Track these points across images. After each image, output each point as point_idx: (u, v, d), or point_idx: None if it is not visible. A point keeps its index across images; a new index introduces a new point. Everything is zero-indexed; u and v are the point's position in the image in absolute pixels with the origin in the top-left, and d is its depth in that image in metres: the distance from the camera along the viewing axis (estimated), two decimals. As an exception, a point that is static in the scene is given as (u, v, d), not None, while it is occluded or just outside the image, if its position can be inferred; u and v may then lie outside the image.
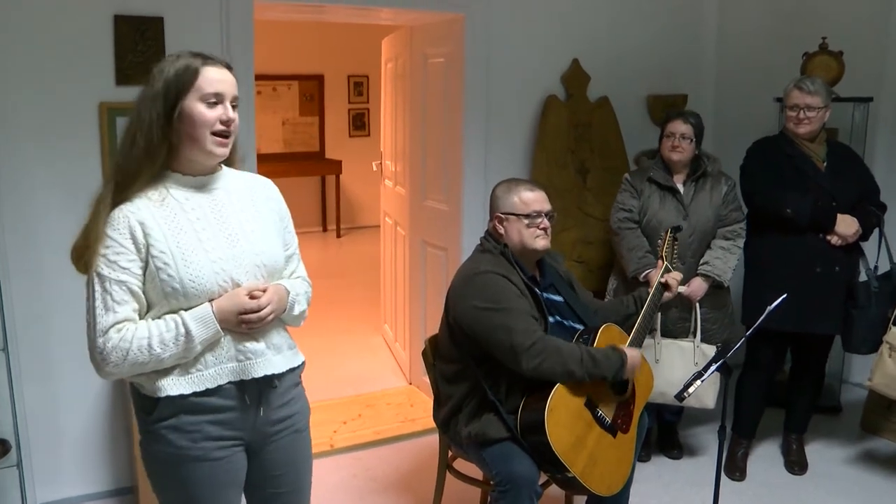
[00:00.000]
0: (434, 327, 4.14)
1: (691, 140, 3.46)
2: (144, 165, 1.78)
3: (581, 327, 2.76)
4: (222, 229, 1.87)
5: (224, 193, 1.92)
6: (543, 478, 2.61)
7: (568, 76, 4.16)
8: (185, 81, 1.77)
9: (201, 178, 1.88)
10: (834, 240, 3.33)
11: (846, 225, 3.32)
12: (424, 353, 2.98)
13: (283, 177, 8.54)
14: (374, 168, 5.40)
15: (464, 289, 2.66)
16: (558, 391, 2.47)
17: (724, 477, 3.56)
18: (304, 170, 9.00)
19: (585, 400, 2.54)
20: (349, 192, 9.53)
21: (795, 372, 3.75)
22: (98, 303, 1.73)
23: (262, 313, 1.84)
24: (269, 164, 8.32)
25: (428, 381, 4.32)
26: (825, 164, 3.39)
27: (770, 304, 2.46)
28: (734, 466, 3.63)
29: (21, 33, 2.99)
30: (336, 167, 9.13)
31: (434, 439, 3.83)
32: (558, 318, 2.74)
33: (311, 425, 2.12)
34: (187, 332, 1.77)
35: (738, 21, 4.65)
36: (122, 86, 3.16)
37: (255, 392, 1.91)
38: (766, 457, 3.80)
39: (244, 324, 1.83)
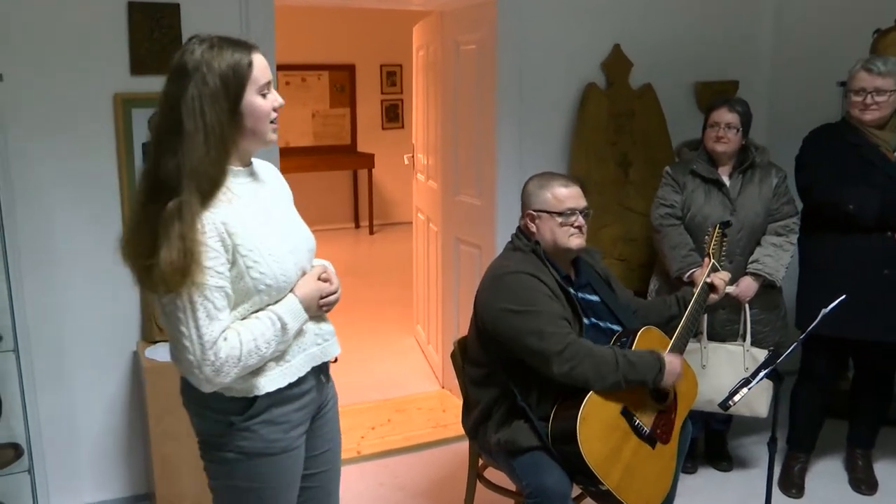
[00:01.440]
0: (467, 329, 4.12)
1: (738, 130, 3.36)
2: (226, 165, 1.80)
3: (619, 328, 2.69)
4: (278, 218, 1.93)
5: (262, 182, 1.97)
6: (577, 490, 2.56)
7: (608, 63, 4.08)
8: (243, 75, 1.78)
9: (248, 169, 1.92)
10: None
11: None
12: (453, 356, 2.94)
13: (313, 171, 8.61)
14: (406, 161, 5.38)
15: (492, 289, 2.62)
16: (592, 398, 2.41)
17: (779, 493, 3.48)
18: (335, 164, 9.02)
19: (622, 408, 2.48)
20: (382, 187, 9.53)
21: (859, 382, 3.61)
22: (201, 313, 1.71)
23: (338, 294, 1.98)
24: (299, 158, 8.37)
25: (460, 385, 4.32)
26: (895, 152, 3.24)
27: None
28: (790, 482, 3.51)
29: (31, 23, 3.02)
30: (368, 161, 9.13)
31: (467, 446, 3.80)
32: (594, 319, 2.68)
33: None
34: (284, 326, 1.83)
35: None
36: (137, 76, 3.18)
37: (325, 370, 2.05)
38: (827, 472, 3.67)
39: (324, 307, 1.95)
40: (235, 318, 1.81)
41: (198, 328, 1.71)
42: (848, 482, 3.58)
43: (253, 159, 1.98)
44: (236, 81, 1.76)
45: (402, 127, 9.46)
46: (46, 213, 3.12)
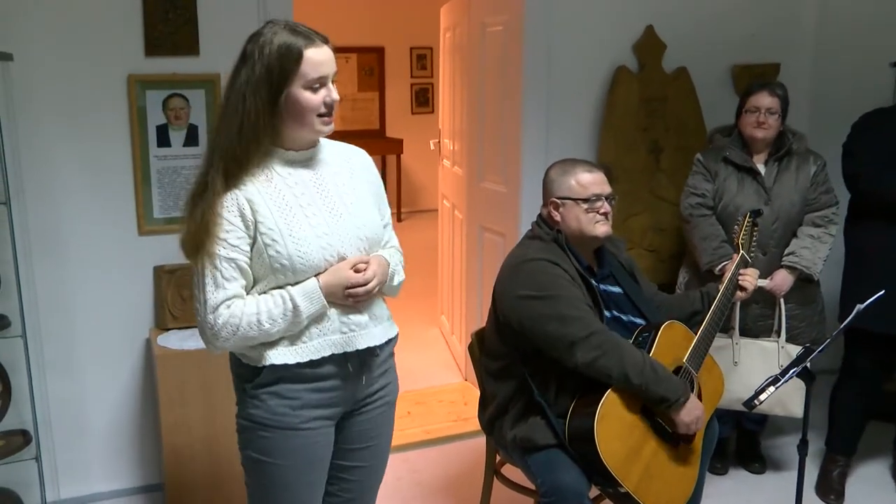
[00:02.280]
0: (488, 320, 4.09)
1: (778, 115, 3.29)
2: (254, 152, 1.89)
3: (641, 322, 2.64)
4: (325, 203, 1.98)
5: (324, 166, 2.04)
6: (595, 491, 2.52)
7: (640, 45, 3.99)
8: (289, 67, 1.85)
9: (304, 153, 1.99)
10: None
11: None
12: (471, 348, 2.92)
13: (341, 156, 8.60)
14: (432, 147, 5.35)
15: (511, 278, 2.59)
16: (611, 395, 2.37)
17: (817, 499, 3.40)
18: (363, 149, 8.92)
19: (642, 406, 2.43)
20: (411, 174, 9.51)
21: None
22: (208, 279, 1.88)
23: (369, 286, 1.98)
24: (326, 143, 8.36)
25: (483, 377, 4.29)
26: None
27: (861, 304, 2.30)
28: (829, 488, 3.42)
29: (42, 2, 3.01)
30: (397, 146, 9.11)
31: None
32: (615, 312, 2.63)
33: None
34: (295, 307, 1.90)
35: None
36: (151, 57, 3.18)
37: (357, 362, 2.05)
38: (871, 478, 3.58)
39: (350, 297, 1.96)
40: (256, 292, 1.93)
41: (204, 293, 1.89)
42: (895, 491, 3.48)
43: (328, 142, 2.09)
44: (281, 73, 1.85)
45: (432, 112, 9.39)
46: (57, 196, 3.14)
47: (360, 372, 2.07)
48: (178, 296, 3.29)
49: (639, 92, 3.95)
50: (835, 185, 3.40)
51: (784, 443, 3.85)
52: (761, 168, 3.34)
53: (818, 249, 3.31)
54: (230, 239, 1.88)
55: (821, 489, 3.44)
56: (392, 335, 2.16)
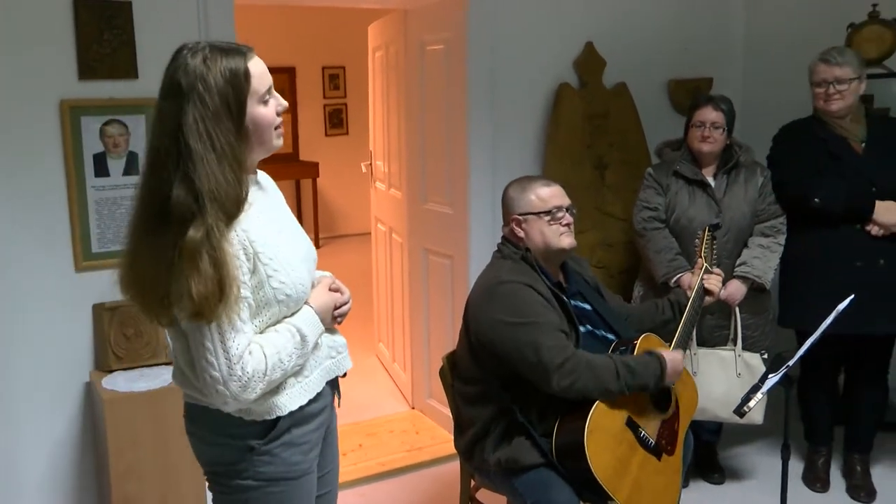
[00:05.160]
0: (440, 343, 4.14)
1: (723, 129, 3.47)
2: (246, 185, 1.80)
3: (613, 337, 2.75)
4: (287, 226, 1.98)
5: (265, 190, 2.00)
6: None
7: (581, 61, 4.16)
8: (242, 88, 1.78)
9: (254, 177, 1.94)
10: (874, 230, 3.34)
11: (888, 212, 3.32)
12: (442, 373, 2.95)
13: (254, 182, 8.52)
14: (364, 170, 5.39)
15: (484, 302, 2.64)
16: (597, 410, 2.46)
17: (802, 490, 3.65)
18: (277, 174, 8.43)
19: (626, 419, 2.53)
20: (328, 198, 9.49)
21: (851, 382, 3.76)
22: (226, 326, 1.72)
23: (350, 304, 2.03)
24: (239, 169, 8.26)
25: (433, 404, 4.34)
26: (864, 144, 3.42)
27: (833, 305, 2.48)
28: (816, 477, 3.69)
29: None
30: (312, 170, 9.10)
31: (447, 469, 3.82)
32: (589, 327, 2.73)
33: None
34: (303, 339, 1.86)
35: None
36: (86, 80, 3.12)
37: (338, 386, 2.09)
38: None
39: (337, 318, 1.99)
40: (254, 330, 1.81)
41: (224, 342, 1.72)
42: (846, 490, 3.67)
43: None
44: (236, 97, 1.77)
45: (347, 133, 9.45)
46: (-14, 233, 3.04)
47: (339, 396, 2.12)
48: (121, 335, 3.22)
49: (582, 108, 4.10)
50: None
51: (740, 452, 4.03)
52: (711, 181, 3.52)
53: (769, 259, 3.50)
54: (240, 277, 1.75)
55: (808, 479, 3.71)
56: None
